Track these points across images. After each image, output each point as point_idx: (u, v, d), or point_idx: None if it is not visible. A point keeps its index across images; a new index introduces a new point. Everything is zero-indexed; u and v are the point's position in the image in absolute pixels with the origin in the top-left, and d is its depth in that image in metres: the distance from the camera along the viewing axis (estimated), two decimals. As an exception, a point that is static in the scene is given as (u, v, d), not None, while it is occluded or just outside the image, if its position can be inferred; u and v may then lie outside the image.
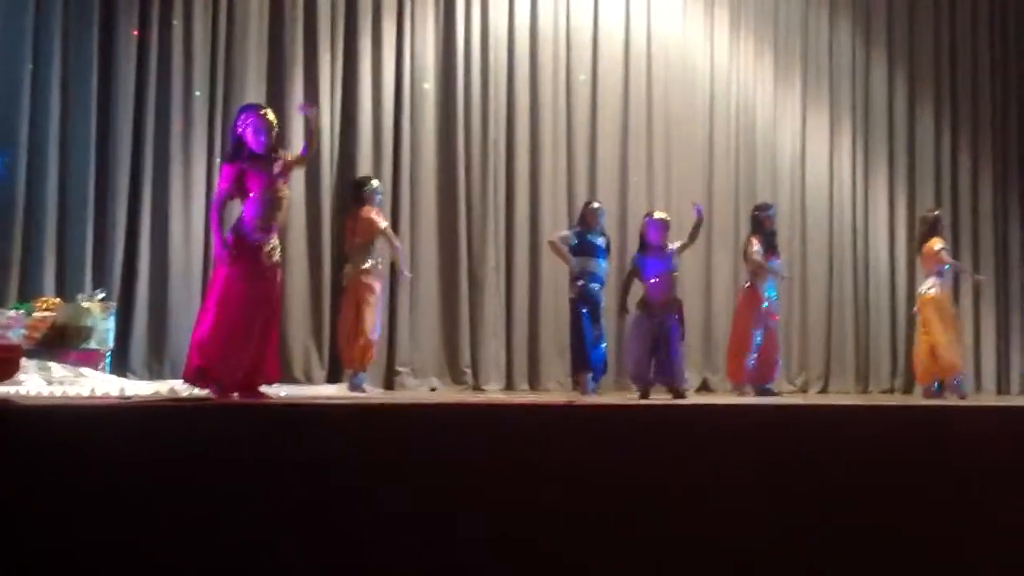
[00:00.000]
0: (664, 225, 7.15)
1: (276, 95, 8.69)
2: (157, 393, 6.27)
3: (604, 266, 7.88)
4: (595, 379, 7.72)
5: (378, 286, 7.54)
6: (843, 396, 9.67)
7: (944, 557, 4.49)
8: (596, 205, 8.24)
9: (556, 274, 9.02)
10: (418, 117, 9.33)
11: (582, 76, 10.06)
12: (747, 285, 8.46)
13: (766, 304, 8.29)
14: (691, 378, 9.77)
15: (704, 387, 10.01)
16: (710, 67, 10.58)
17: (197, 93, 8.48)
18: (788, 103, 10.87)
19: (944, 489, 4.61)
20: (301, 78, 8.88)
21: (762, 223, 8.47)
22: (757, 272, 8.32)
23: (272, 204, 5.22)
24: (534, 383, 9.37)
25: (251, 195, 5.22)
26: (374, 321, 7.50)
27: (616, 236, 9.51)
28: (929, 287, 8.65)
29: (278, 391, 6.30)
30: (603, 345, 7.77)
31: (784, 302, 10.54)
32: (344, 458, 4.01)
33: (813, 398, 9.66)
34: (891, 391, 10.66)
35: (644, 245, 7.23)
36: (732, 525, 4.24)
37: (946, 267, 8.70)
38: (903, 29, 11.29)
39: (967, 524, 4.58)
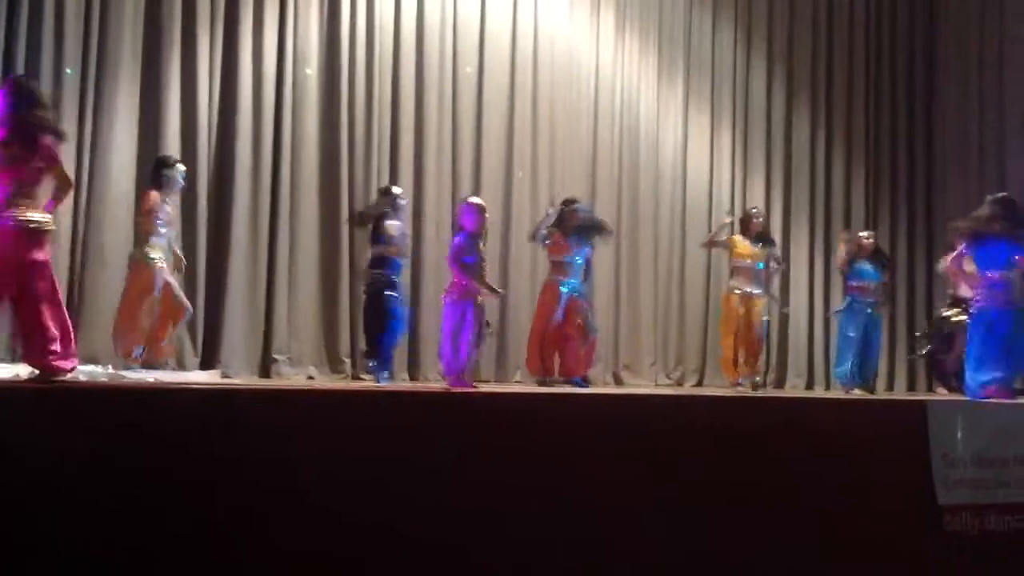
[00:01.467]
0: (476, 210, 6.40)
1: (151, 74, 8.47)
2: (17, 376, 6.02)
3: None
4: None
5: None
6: (716, 389, 9.87)
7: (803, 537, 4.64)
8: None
9: (438, 266, 9.00)
10: (300, 103, 9.17)
11: (468, 68, 10.04)
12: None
13: (565, 296, 7.91)
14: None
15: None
16: (595, 64, 10.69)
17: (68, 71, 8.16)
18: (671, 102, 11.07)
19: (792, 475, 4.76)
20: (178, 58, 8.62)
21: (567, 217, 8.07)
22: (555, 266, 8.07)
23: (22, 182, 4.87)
24: (414, 374, 9.32)
25: None
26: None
27: (499, 229, 9.60)
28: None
29: (146, 376, 6.16)
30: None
31: (663, 297, 10.80)
32: (196, 442, 3.92)
33: (687, 391, 9.85)
34: (763, 385, 10.91)
35: (458, 231, 6.51)
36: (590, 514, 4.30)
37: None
38: (782, 33, 11.62)
39: (828, 507, 4.75)
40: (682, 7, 11.16)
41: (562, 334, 7.86)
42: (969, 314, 7.44)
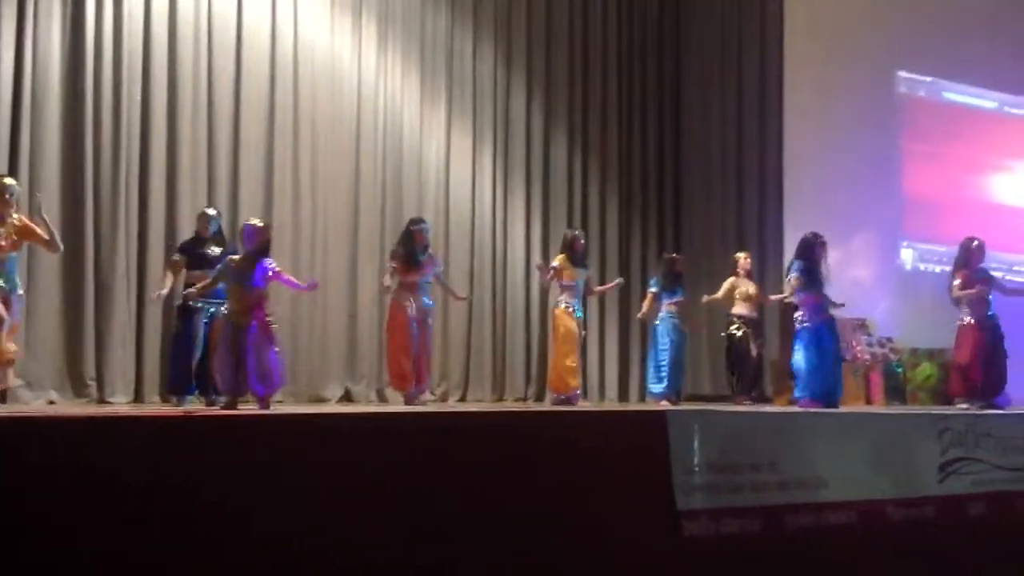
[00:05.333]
0: (253, 232, 6.62)
1: None
2: None
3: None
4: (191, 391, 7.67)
5: None
6: (479, 404, 10.00)
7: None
8: (210, 212, 8.09)
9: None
10: (40, 108, 8.64)
11: (225, 72, 9.74)
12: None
13: (412, 313, 8.21)
14: (332, 388, 9.83)
15: (346, 397, 9.99)
16: (358, 77, 10.63)
17: None
18: (434, 119, 11.16)
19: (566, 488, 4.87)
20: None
21: (413, 236, 8.39)
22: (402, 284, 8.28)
23: None
24: (165, 395, 8.93)
25: None
26: None
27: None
28: (556, 302, 9.14)
29: None
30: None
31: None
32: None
33: (452, 406, 9.91)
34: (524, 399, 11.16)
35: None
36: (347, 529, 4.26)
37: (574, 284, 9.14)
38: (540, 58, 11.97)
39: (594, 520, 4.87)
40: (443, 28, 11.28)
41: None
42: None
